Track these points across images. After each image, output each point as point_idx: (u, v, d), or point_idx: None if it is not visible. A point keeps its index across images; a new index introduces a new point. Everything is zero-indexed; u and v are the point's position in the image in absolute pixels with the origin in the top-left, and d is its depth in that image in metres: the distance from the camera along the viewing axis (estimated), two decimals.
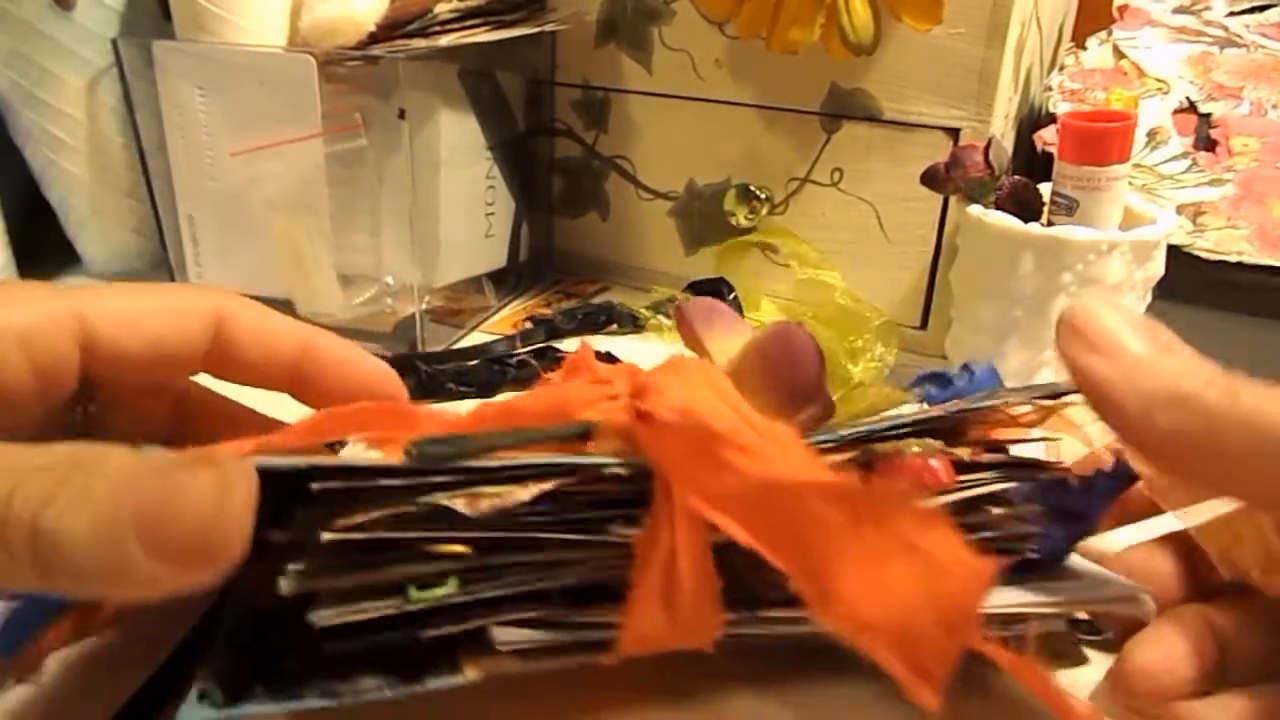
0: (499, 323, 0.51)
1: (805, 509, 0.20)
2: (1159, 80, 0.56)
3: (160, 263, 0.51)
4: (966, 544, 0.20)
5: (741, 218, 0.50)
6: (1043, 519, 0.25)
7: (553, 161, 0.56)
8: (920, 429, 0.25)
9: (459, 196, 0.49)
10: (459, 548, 0.21)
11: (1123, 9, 0.61)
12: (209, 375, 0.26)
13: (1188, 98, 0.55)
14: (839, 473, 0.21)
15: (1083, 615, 0.27)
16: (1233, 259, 0.47)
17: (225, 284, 0.49)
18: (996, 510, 0.25)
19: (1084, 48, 0.59)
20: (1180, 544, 0.26)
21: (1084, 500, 0.26)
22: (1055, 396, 0.26)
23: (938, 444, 0.24)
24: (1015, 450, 0.27)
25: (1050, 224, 0.40)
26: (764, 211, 0.50)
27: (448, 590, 0.21)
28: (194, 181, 0.48)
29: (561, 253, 0.57)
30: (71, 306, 0.23)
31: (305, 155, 0.45)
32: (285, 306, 0.46)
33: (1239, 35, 0.58)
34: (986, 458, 0.25)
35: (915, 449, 0.24)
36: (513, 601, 0.22)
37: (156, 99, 0.46)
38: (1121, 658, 0.24)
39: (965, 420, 0.26)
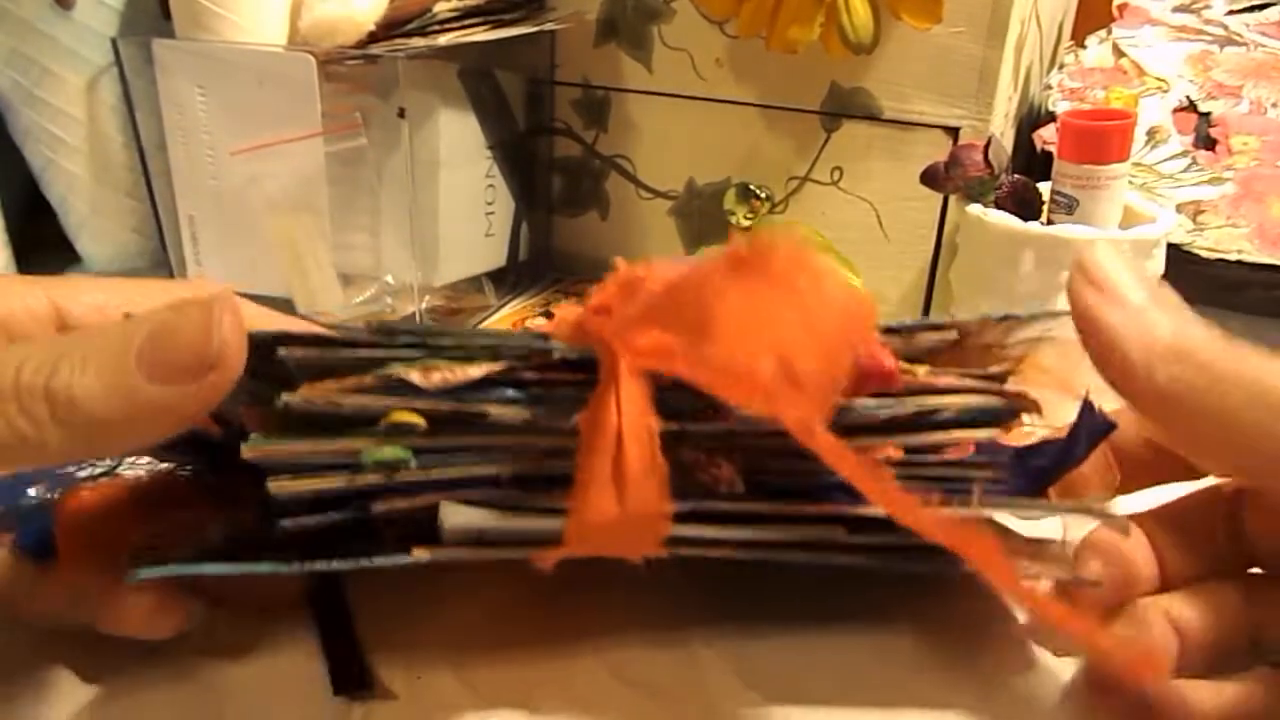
0: (499, 322, 0.51)
1: (704, 289, 0.21)
2: (1159, 79, 0.56)
3: (160, 262, 0.51)
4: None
5: (741, 217, 0.50)
6: (1006, 459, 0.25)
7: (552, 161, 0.56)
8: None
9: (459, 196, 0.49)
10: (412, 417, 0.22)
11: (1122, 7, 0.61)
12: None
13: (1187, 96, 0.55)
14: None
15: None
16: (1232, 257, 0.47)
17: (225, 283, 0.49)
18: (959, 433, 0.25)
19: (1084, 46, 0.59)
20: (1145, 527, 0.26)
21: (1053, 454, 0.26)
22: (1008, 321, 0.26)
23: (879, 333, 0.24)
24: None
25: (1050, 223, 0.40)
26: (764, 211, 0.50)
27: (397, 453, 0.22)
28: (194, 181, 0.48)
29: (561, 252, 0.57)
30: (48, 296, 0.24)
31: (305, 154, 0.45)
32: (285, 305, 0.46)
33: (1239, 34, 0.58)
34: (944, 382, 0.24)
35: None
36: (463, 485, 0.23)
37: (156, 98, 0.46)
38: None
39: (932, 351, 0.26)
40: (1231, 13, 0.60)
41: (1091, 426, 0.26)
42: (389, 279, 0.48)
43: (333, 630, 0.26)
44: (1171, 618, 0.24)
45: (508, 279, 0.54)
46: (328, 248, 0.46)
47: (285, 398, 0.21)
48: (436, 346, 0.22)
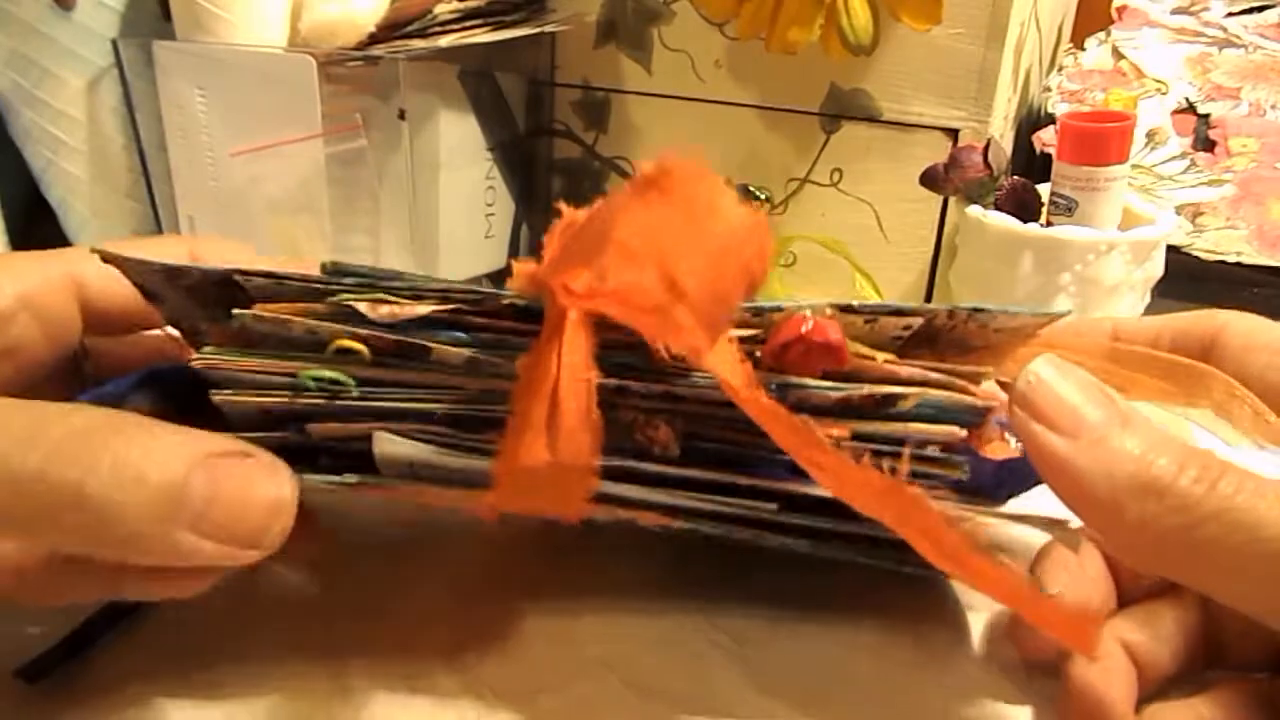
0: None
1: (606, 215, 0.21)
2: (1158, 81, 0.56)
3: None
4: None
5: None
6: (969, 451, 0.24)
7: (552, 162, 0.56)
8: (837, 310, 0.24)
9: (459, 197, 0.49)
10: (356, 344, 0.22)
11: (1121, 10, 0.61)
12: None
13: (1186, 98, 0.55)
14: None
15: None
16: (1231, 259, 0.47)
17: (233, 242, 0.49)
18: (916, 427, 0.24)
19: (1083, 48, 0.59)
20: (1098, 543, 0.25)
21: (1016, 476, 0.25)
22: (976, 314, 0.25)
23: (831, 309, 0.23)
24: None
25: (1049, 224, 0.40)
26: (764, 212, 0.50)
27: (338, 375, 0.22)
28: (194, 182, 0.48)
29: None
30: (65, 268, 0.25)
31: (305, 156, 0.45)
32: None
33: (1237, 36, 0.58)
34: (906, 372, 0.24)
35: (807, 311, 0.23)
36: (399, 417, 0.23)
37: (156, 99, 0.47)
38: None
39: (903, 343, 0.25)
40: (1230, 15, 0.60)
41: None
42: None
43: (83, 633, 0.26)
44: (1127, 644, 0.23)
45: (508, 280, 0.54)
46: (328, 249, 0.47)
47: (236, 313, 0.22)
48: (387, 287, 0.22)
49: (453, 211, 0.49)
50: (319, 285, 0.23)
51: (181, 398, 0.24)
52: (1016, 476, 0.25)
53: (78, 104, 0.50)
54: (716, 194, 0.20)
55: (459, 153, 0.48)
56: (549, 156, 0.56)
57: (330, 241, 0.46)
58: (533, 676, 0.25)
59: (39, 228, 0.54)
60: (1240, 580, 0.19)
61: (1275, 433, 0.23)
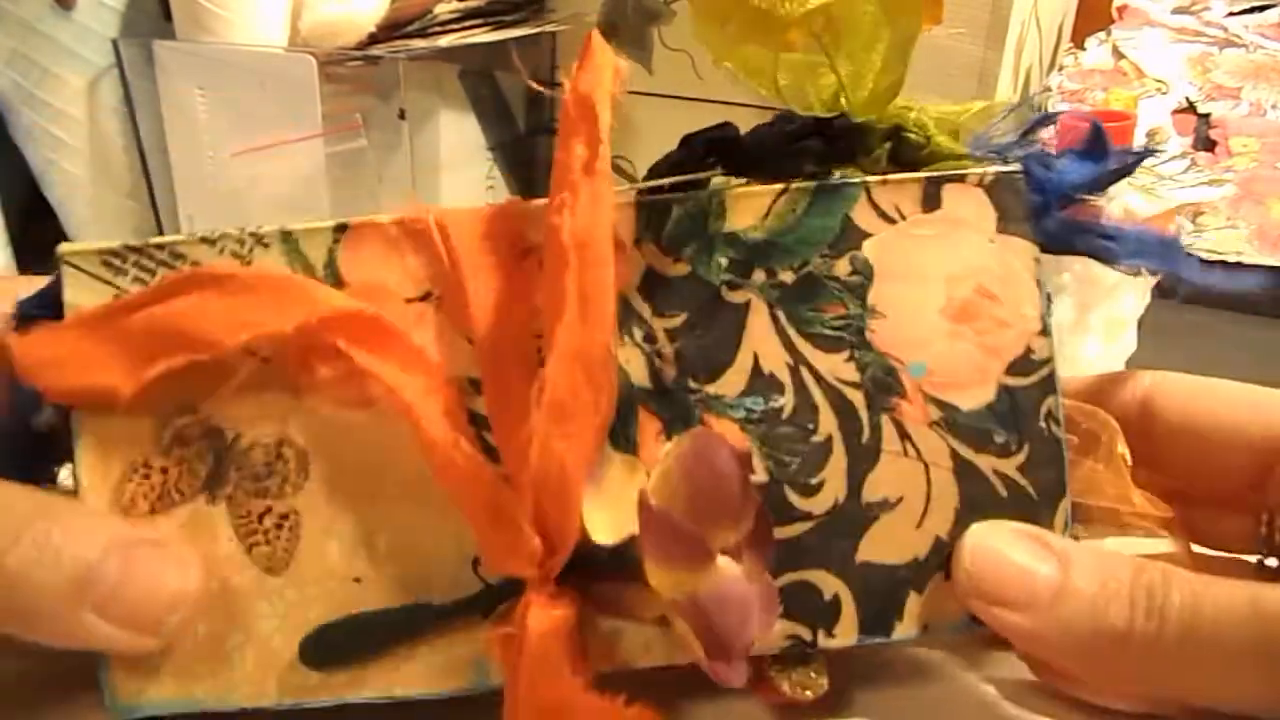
0: None
1: None
2: (1158, 80, 0.56)
3: None
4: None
5: None
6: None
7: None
8: None
9: (459, 197, 0.49)
10: None
11: (1122, 9, 0.61)
12: None
13: (1187, 98, 0.55)
14: None
15: None
16: (1232, 259, 0.47)
17: None
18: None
19: (1083, 48, 0.59)
20: None
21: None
22: None
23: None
24: None
25: None
26: None
27: None
28: (194, 182, 0.48)
29: None
30: None
31: (305, 155, 0.45)
32: None
33: (1238, 35, 0.58)
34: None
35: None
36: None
37: (157, 99, 0.47)
38: None
39: None
40: (1231, 14, 0.60)
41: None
42: None
43: None
44: None
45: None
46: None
47: None
48: None
49: None
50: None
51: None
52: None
53: (78, 104, 0.50)
54: None
55: (459, 153, 0.48)
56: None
57: None
58: None
59: (39, 228, 0.54)
60: (1231, 678, 0.19)
61: (1131, 511, 0.23)
